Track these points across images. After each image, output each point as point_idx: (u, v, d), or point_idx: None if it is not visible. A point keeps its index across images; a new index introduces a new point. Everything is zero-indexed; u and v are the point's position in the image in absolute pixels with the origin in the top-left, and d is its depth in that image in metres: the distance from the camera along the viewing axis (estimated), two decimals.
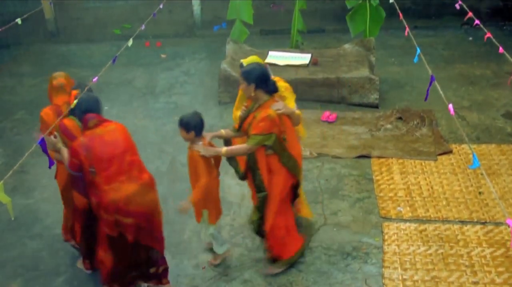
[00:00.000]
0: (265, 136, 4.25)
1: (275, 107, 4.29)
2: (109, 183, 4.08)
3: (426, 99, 4.11)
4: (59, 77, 4.81)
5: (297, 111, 4.54)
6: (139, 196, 4.15)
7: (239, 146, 4.51)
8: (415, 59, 4.34)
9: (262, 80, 4.30)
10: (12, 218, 5.06)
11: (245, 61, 4.71)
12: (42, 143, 3.54)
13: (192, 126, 4.42)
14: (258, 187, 4.48)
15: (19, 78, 9.70)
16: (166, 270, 4.56)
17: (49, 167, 3.92)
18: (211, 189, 4.56)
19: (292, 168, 4.48)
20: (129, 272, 4.43)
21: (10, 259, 5.17)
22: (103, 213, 4.15)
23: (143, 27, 5.90)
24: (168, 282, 4.58)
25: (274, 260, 4.80)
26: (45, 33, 11.74)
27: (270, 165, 4.43)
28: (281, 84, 4.67)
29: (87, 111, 4.19)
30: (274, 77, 4.50)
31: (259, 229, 4.65)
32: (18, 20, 6.18)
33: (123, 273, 4.39)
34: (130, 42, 5.43)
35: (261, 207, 4.52)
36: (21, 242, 5.38)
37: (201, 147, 4.41)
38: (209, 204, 4.63)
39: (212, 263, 4.94)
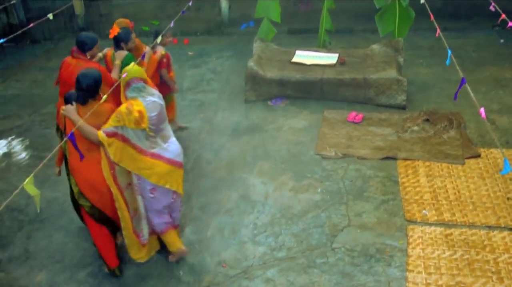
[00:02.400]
0: None
1: None
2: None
3: (455, 98, 4.05)
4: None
5: None
6: None
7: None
8: (447, 62, 4.28)
9: None
10: (38, 211, 5.14)
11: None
12: (72, 137, 3.59)
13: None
14: None
15: (49, 72, 9.86)
16: None
17: (80, 160, 3.99)
18: None
19: None
20: None
21: (37, 250, 5.26)
22: None
23: (172, 24, 5.95)
24: None
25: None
26: (75, 28, 11.92)
27: None
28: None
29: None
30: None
31: None
32: (50, 16, 6.30)
33: None
34: (159, 39, 5.47)
35: None
36: (47, 234, 5.47)
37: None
38: None
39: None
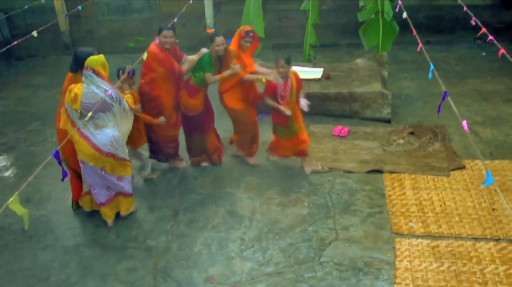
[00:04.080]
0: None
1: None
2: None
3: (438, 114, 4.10)
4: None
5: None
6: None
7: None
8: (429, 75, 4.33)
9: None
10: (26, 228, 5.09)
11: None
12: (56, 155, 3.57)
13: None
14: None
15: (34, 89, 9.82)
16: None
17: (62, 180, 3.96)
18: None
19: None
20: None
21: (22, 270, 5.19)
22: None
23: (157, 40, 5.96)
24: None
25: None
26: (60, 45, 11.90)
27: None
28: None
29: None
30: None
31: None
32: (34, 33, 6.28)
33: None
34: (145, 55, 5.48)
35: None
36: (32, 253, 5.41)
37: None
38: None
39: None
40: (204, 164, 6.73)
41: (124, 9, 13.55)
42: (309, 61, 8.94)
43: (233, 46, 6.08)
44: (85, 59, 5.18)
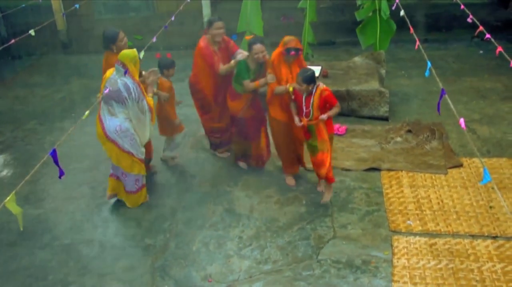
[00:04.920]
0: None
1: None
2: None
3: (439, 112, 4.10)
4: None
5: None
6: None
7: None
8: (427, 73, 4.33)
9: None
10: (21, 229, 5.07)
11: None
12: (53, 154, 3.56)
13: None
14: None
15: (31, 88, 9.80)
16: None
17: (59, 177, 3.94)
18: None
19: None
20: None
21: (20, 269, 5.18)
22: None
23: (154, 39, 5.95)
24: None
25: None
26: (57, 44, 11.87)
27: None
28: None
29: None
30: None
31: None
32: (31, 32, 6.26)
33: None
34: (142, 54, 5.47)
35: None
36: (30, 252, 5.40)
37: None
38: None
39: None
40: (242, 164, 6.64)
41: (121, 8, 13.53)
42: (307, 59, 8.92)
43: (274, 56, 5.74)
44: (108, 38, 5.90)
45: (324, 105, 5.46)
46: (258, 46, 5.73)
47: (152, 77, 5.80)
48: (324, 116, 5.37)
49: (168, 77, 6.30)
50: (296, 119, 5.57)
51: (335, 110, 5.49)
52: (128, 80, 5.36)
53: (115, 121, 5.46)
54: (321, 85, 5.47)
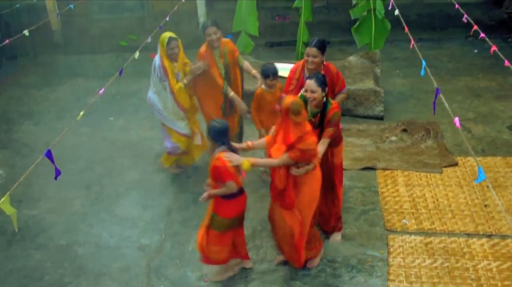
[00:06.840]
0: None
1: None
2: None
3: (434, 112, 4.11)
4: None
5: None
6: None
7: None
8: (422, 73, 4.34)
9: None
10: (16, 230, 5.07)
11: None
12: (49, 154, 3.55)
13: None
14: None
15: (26, 88, 9.76)
16: None
17: (55, 179, 3.93)
18: None
19: None
20: None
21: (15, 270, 5.17)
22: None
23: (149, 39, 5.94)
24: None
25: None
26: (52, 44, 11.83)
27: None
28: None
29: None
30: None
31: None
32: (26, 32, 6.24)
33: None
34: (137, 54, 5.46)
35: None
36: (25, 253, 5.39)
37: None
38: None
39: None
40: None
41: (116, 8, 13.48)
42: (302, 59, 8.92)
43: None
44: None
45: None
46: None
47: (194, 66, 5.92)
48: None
49: (271, 88, 5.62)
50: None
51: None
52: (157, 60, 5.89)
53: (148, 93, 6.16)
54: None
